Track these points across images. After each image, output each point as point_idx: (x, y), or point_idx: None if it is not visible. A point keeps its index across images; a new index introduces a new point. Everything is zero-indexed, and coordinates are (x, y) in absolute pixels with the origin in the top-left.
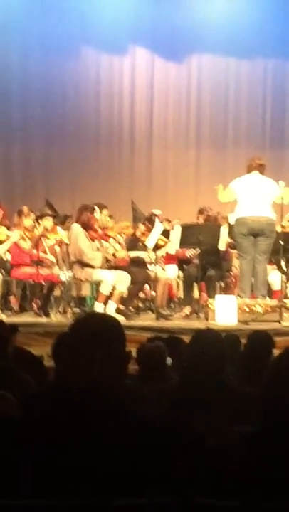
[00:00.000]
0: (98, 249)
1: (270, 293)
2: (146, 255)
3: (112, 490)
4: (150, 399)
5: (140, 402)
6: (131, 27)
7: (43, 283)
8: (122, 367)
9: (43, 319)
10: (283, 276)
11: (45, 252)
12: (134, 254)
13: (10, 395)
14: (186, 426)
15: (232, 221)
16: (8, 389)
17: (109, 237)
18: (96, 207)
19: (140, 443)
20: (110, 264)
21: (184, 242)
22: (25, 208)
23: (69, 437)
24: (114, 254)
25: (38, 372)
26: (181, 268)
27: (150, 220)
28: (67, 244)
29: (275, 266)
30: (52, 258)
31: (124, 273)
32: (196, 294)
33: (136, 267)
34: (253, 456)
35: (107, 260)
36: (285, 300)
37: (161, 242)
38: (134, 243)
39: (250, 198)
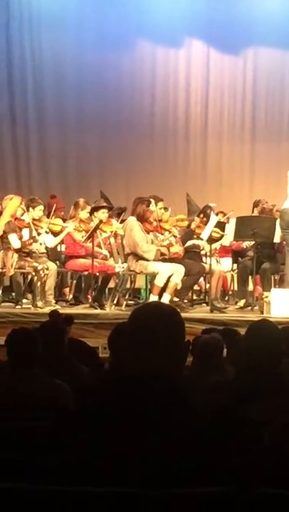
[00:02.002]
0: (152, 241)
1: None
2: (202, 243)
3: (169, 479)
4: (206, 390)
5: (196, 393)
6: (186, 19)
7: (98, 275)
8: (182, 356)
9: (98, 311)
10: None
11: (99, 245)
12: (190, 242)
13: (67, 386)
14: (243, 416)
15: None
16: (64, 379)
17: (165, 230)
18: (152, 200)
19: (198, 432)
20: (165, 258)
21: (239, 235)
22: (81, 200)
23: (128, 426)
24: (168, 247)
25: (93, 363)
26: (235, 261)
27: (205, 213)
28: (122, 236)
29: None
30: (105, 252)
31: (179, 265)
32: (250, 286)
33: (191, 260)
34: None
35: (162, 254)
36: None
37: (216, 235)
38: (189, 236)
39: None
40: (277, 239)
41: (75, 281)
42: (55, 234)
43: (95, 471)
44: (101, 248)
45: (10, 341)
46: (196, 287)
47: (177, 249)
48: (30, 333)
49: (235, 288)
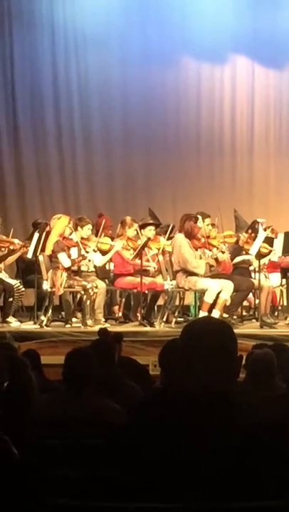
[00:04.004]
0: (201, 258)
1: None
2: (251, 257)
3: (222, 493)
4: (259, 405)
5: (249, 408)
6: (230, 35)
7: (147, 292)
8: (235, 371)
9: (148, 328)
10: None
11: (147, 261)
12: (239, 258)
13: (119, 406)
14: None
15: None
16: (115, 396)
17: (213, 246)
18: (199, 216)
19: (252, 447)
20: (214, 272)
21: (288, 250)
22: (128, 218)
23: (181, 442)
24: (216, 259)
25: (144, 380)
26: (284, 276)
27: (253, 229)
28: (170, 252)
29: None
30: (154, 265)
31: (228, 281)
32: None
33: (239, 275)
34: None
35: (211, 267)
36: None
37: (264, 250)
38: (237, 252)
39: None
40: None
41: (124, 299)
42: (104, 252)
43: (149, 487)
44: (149, 262)
45: (67, 361)
46: (245, 303)
47: (225, 256)
48: (85, 352)
49: (285, 303)
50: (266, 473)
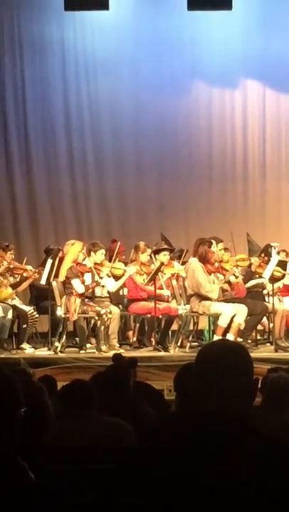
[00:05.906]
0: (214, 282)
1: None
2: (265, 281)
3: None
4: (276, 429)
5: (267, 431)
6: (241, 60)
7: (161, 317)
8: (251, 394)
9: (162, 353)
10: None
11: (161, 287)
12: (253, 282)
13: (129, 426)
14: None
15: None
16: (130, 421)
17: (226, 270)
18: (213, 241)
19: (270, 471)
20: (227, 296)
21: None
22: (141, 244)
23: (197, 467)
24: (229, 282)
25: (159, 405)
26: None
27: (266, 252)
28: (183, 277)
29: None
30: (167, 292)
31: (242, 305)
32: None
33: (253, 299)
34: None
35: (224, 291)
36: None
37: (277, 274)
38: (250, 275)
39: None
40: None
41: (138, 325)
42: (117, 278)
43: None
44: (163, 289)
45: (63, 392)
46: (259, 327)
47: (238, 279)
48: (80, 381)
49: None
50: (284, 500)
